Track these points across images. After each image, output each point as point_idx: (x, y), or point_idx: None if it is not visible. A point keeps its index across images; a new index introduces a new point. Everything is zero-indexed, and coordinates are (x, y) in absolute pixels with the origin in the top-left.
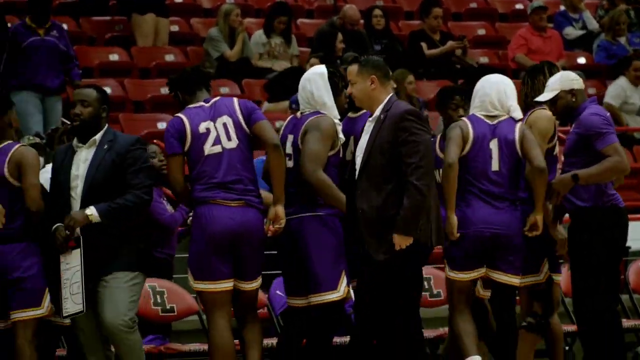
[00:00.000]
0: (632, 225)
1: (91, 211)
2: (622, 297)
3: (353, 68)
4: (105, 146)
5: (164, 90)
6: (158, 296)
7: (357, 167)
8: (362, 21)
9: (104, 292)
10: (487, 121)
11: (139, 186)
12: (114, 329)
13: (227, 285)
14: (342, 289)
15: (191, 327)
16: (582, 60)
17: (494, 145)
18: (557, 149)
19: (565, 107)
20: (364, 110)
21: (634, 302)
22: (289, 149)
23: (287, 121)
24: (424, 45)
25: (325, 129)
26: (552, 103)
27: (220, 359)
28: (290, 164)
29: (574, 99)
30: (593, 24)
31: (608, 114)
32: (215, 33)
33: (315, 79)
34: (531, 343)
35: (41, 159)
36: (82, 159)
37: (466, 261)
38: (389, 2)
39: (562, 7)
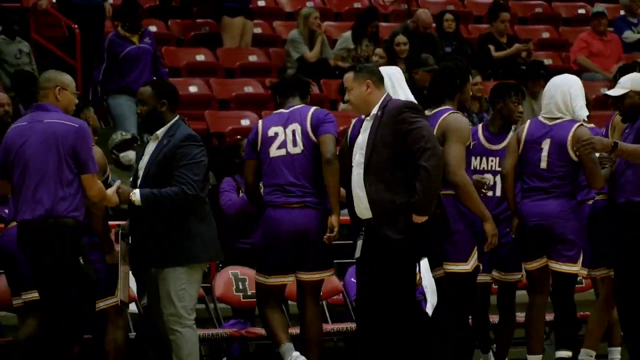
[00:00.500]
0: None
1: (135, 194)
2: None
3: (349, 75)
4: (165, 141)
5: (248, 89)
6: (240, 283)
7: (355, 163)
8: (434, 24)
9: (156, 287)
10: (546, 122)
11: (184, 181)
12: (164, 322)
13: (281, 280)
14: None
15: None
16: None
17: (545, 145)
18: None
19: (632, 106)
20: (439, 108)
21: None
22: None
23: (355, 120)
24: (491, 47)
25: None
26: (619, 100)
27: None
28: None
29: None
30: None
31: None
32: (296, 35)
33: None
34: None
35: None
36: (147, 152)
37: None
38: (460, 6)
39: (622, 12)
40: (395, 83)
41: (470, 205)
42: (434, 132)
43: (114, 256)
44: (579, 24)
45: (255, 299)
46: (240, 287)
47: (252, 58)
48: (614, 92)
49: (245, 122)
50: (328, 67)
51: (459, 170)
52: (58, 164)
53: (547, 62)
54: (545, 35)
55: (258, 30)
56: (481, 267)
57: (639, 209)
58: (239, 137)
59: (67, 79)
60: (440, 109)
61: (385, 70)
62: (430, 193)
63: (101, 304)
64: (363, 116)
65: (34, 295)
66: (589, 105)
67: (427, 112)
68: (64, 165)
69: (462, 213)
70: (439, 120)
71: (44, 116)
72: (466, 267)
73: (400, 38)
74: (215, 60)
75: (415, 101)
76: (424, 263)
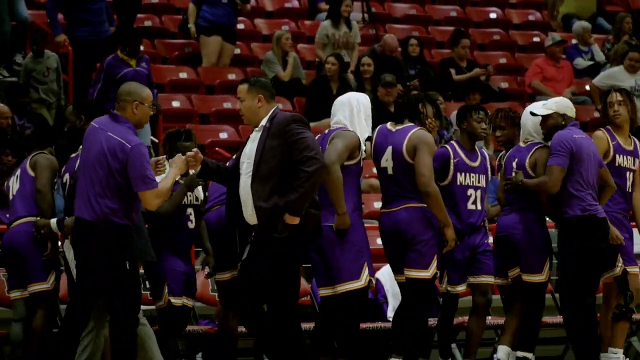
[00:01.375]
0: None
1: None
2: None
3: (243, 87)
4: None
5: (227, 105)
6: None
7: (243, 172)
8: (399, 49)
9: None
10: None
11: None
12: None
13: None
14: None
15: None
16: (588, 87)
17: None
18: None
19: (554, 127)
20: (404, 125)
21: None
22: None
23: (318, 137)
24: (452, 71)
25: (348, 139)
26: (544, 119)
27: None
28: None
29: (563, 122)
30: (600, 56)
31: (579, 135)
32: (270, 56)
33: (363, 101)
34: (621, 330)
35: None
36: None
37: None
38: (424, 32)
39: (574, 41)
40: (354, 113)
41: (438, 212)
42: (404, 145)
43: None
44: (533, 50)
45: None
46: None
47: (231, 76)
48: (540, 111)
49: (223, 135)
50: (300, 86)
51: (432, 180)
52: (107, 176)
53: (504, 85)
54: (502, 60)
55: (237, 50)
56: (438, 274)
57: (591, 221)
58: (217, 149)
59: (146, 93)
60: (406, 125)
61: (348, 98)
62: (304, 195)
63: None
64: (392, 127)
65: (41, 287)
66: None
67: (390, 127)
68: (112, 178)
69: (430, 224)
70: (408, 135)
71: (112, 127)
72: (426, 274)
73: (365, 59)
74: (196, 77)
75: (369, 134)
76: (387, 267)
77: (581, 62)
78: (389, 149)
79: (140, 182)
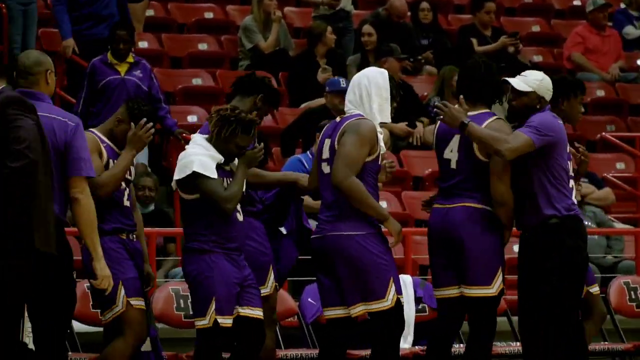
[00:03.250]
0: None
1: None
2: None
3: None
4: None
5: (196, 81)
6: (182, 300)
7: None
8: (409, 13)
9: None
10: None
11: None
12: None
13: None
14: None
15: None
16: None
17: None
18: None
19: (526, 107)
20: (482, 111)
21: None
22: (326, 154)
23: (325, 126)
24: (474, 41)
25: (365, 133)
26: (517, 94)
27: None
28: (327, 169)
29: (538, 106)
30: None
31: (561, 122)
32: (249, 22)
33: (376, 79)
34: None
35: None
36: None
37: None
38: None
39: (622, 5)
40: (364, 92)
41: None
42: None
43: None
44: (573, 16)
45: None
46: (182, 305)
47: (202, 46)
48: (519, 85)
49: (192, 119)
50: (287, 58)
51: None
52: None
53: (537, 58)
54: (536, 28)
55: (210, 14)
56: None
57: (576, 221)
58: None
59: (49, 59)
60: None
61: (359, 77)
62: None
63: None
64: None
65: None
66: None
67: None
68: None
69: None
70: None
71: (43, 108)
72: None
73: (367, 28)
74: (160, 47)
75: (388, 119)
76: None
77: (632, 31)
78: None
79: (84, 165)
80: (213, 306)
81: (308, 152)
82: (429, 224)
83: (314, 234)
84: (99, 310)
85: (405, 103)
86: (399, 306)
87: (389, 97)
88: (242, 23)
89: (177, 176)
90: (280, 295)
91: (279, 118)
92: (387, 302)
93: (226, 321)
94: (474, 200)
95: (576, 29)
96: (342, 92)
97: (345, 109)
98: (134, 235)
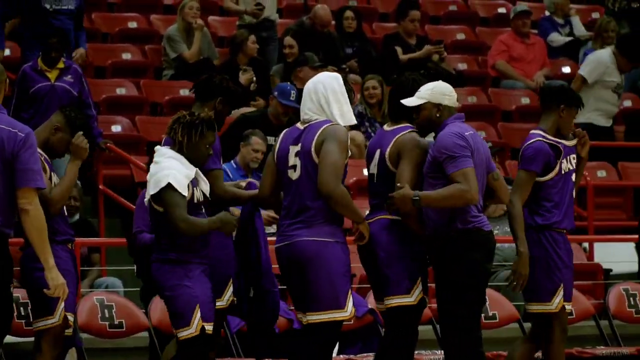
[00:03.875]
0: (615, 246)
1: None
2: (602, 323)
3: None
4: None
5: (120, 91)
6: (106, 310)
7: None
8: (333, 22)
9: None
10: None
11: None
12: None
13: None
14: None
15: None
16: (567, 69)
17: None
18: None
19: (427, 120)
20: (400, 125)
21: (613, 328)
22: (293, 161)
23: (284, 133)
24: (398, 49)
25: (343, 139)
26: (416, 111)
27: None
28: (295, 176)
29: (438, 115)
30: (581, 31)
31: (469, 132)
32: (173, 31)
33: (332, 84)
34: None
35: None
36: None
37: None
38: (363, 2)
39: (547, 12)
40: (322, 100)
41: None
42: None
43: None
44: (498, 24)
45: (124, 329)
46: (107, 314)
47: (126, 56)
48: (409, 102)
49: (116, 129)
50: (211, 67)
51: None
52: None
53: (462, 66)
54: (460, 36)
55: (133, 24)
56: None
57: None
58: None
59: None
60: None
61: (314, 84)
62: None
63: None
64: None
65: None
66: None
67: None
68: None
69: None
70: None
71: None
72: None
73: (288, 40)
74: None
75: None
76: None
77: (557, 38)
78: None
79: (35, 176)
80: (198, 314)
81: (232, 161)
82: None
83: (277, 242)
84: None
85: None
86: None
87: (347, 99)
88: (166, 32)
89: (152, 191)
90: None
91: None
92: (346, 313)
93: (210, 327)
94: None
95: (501, 36)
96: (289, 106)
97: (305, 117)
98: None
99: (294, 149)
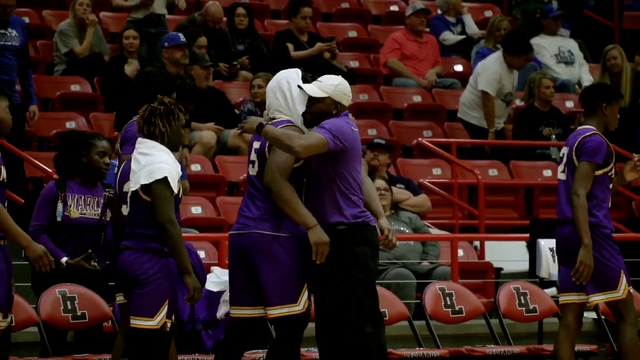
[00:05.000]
0: (506, 245)
1: None
2: (492, 322)
3: None
4: None
5: None
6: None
7: None
8: (225, 19)
9: None
10: None
11: None
12: None
13: None
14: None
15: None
16: (459, 67)
17: None
18: None
19: (321, 114)
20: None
21: (503, 326)
22: (253, 157)
23: None
24: (290, 46)
25: None
26: (312, 101)
27: None
28: (253, 171)
29: (334, 112)
30: (473, 29)
31: (356, 129)
32: (65, 26)
33: (294, 79)
34: None
35: None
36: None
37: None
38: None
39: (439, 11)
40: (288, 99)
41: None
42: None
43: None
44: (390, 22)
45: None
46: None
47: None
48: (311, 91)
49: None
50: (102, 63)
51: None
52: None
53: (354, 64)
54: (352, 34)
55: (26, 19)
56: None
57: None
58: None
59: None
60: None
61: (278, 81)
62: None
63: None
64: None
65: None
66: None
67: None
68: None
69: None
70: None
71: None
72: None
73: (129, 32)
74: None
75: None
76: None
77: (449, 37)
78: None
79: None
80: (165, 309)
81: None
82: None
83: (234, 230)
84: None
85: (216, 108)
86: (308, 312)
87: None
88: (58, 28)
89: (145, 181)
90: (96, 300)
91: (93, 123)
92: (299, 307)
93: (169, 325)
94: None
95: (393, 34)
96: (182, 46)
97: (270, 114)
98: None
99: (255, 145)
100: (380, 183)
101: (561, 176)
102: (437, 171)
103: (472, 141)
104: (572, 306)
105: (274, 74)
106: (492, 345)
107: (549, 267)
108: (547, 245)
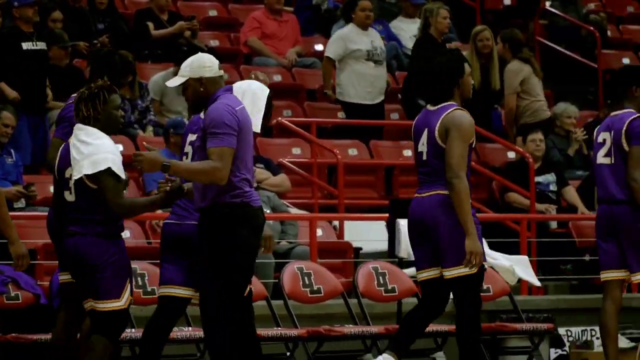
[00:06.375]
0: (365, 225)
1: None
2: (351, 302)
3: None
4: None
5: None
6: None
7: None
8: None
9: None
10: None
11: None
12: None
13: None
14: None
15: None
16: (319, 47)
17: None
18: None
19: (195, 96)
20: (443, 104)
21: (362, 306)
22: (187, 149)
23: (190, 121)
24: (150, 25)
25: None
26: (183, 91)
27: None
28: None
29: (202, 89)
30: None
31: (239, 106)
32: None
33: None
34: None
35: None
36: None
37: None
38: None
39: None
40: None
41: (460, 211)
42: (437, 128)
43: None
44: (251, 1)
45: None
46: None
47: None
48: (172, 82)
49: None
50: None
51: (462, 171)
52: None
53: (214, 43)
54: (213, 12)
55: None
56: None
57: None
58: None
59: None
60: (444, 104)
61: (240, 84)
62: None
63: None
64: (432, 107)
65: None
66: None
67: (429, 107)
68: None
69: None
70: (442, 116)
71: None
72: None
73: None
74: None
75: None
76: None
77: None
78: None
79: None
80: (129, 288)
81: None
82: (409, 212)
83: (168, 219)
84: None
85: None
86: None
87: (262, 109)
88: None
89: (89, 171)
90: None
91: None
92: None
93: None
94: (444, 187)
95: (253, 13)
96: (32, 4)
97: None
98: None
99: (190, 137)
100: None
101: (604, 160)
102: (296, 151)
103: (332, 120)
104: (617, 282)
105: (134, 52)
106: (351, 325)
107: (408, 247)
108: (406, 225)
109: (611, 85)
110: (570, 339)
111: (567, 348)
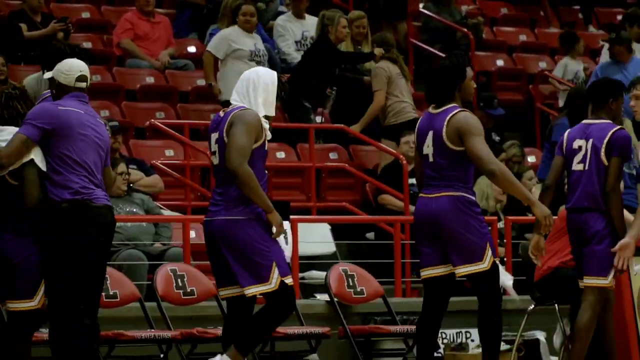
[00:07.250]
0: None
1: None
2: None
3: None
4: None
5: None
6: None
7: None
8: None
9: None
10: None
11: None
12: None
13: None
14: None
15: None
16: (192, 48)
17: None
18: None
19: (54, 93)
20: (445, 107)
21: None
22: (214, 147)
23: (212, 121)
24: (23, 26)
25: (250, 122)
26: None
27: None
28: (216, 161)
29: (54, 90)
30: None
31: (65, 108)
32: None
33: (265, 78)
34: None
35: None
36: None
37: None
38: None
39: None
40: (250, 86)
41: (513, 190)
42: (444, 131)
43: None
44: (123, 3)
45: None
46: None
47: None
48: (47, 75)
49: None
50: None
51: (494, 158)
52: None
53: (87, 45)
54: (85, 14)
55: None
56: None
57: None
58: None
59: None
60: (448, 106)
61: (249, 73)
62: None
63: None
64: (434, 110)
65: None
66: None
67: (432, 110)
68: None
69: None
70: (447, 118)
71: None
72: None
73: None
74: None
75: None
76: None
77: None
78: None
79: None
80: (42, 289)
81: None
82: (414, 212)
83: (206, 217)
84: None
85: None
86: (284, 288)
87: (274, 96)
88: None
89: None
90: None
91: None
92: (271, 285)
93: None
94: (452, 189)
95: (125, 15)
96: None
97: (232, 100)
98: None
99: (214, 136)
100: (123, 167)
101: (579, 167)
102: (169, 152)
103: (205, 122)
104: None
105: (6, 53)
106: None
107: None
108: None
109: (590, 99)
110: (445, 341)
111: (441, 350)
